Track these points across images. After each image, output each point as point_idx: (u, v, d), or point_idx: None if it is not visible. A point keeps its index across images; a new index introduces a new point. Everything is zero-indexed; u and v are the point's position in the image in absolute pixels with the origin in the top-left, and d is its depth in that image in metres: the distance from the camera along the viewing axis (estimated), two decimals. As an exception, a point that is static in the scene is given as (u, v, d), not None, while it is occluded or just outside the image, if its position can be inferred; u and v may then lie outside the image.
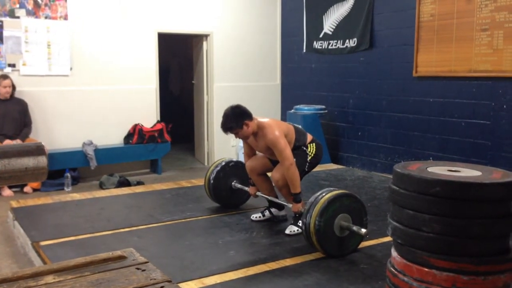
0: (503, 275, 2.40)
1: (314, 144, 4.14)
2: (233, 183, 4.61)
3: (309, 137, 4.17)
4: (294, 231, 3.98)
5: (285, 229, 4.05)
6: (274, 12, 8.21)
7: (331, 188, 3.65)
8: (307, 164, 4.08)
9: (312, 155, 4.09)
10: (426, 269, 2.42)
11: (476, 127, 5.54)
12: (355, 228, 3.45)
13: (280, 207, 4.34)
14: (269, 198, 4.27)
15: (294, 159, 3.86)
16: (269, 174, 4.26)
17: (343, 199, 3.53)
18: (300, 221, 3.93)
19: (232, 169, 4.65)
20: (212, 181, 4.58)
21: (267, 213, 4.36)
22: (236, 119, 3.86)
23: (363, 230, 3.42)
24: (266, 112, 6.24)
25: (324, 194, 3.52)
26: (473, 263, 2.36)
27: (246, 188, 4.47)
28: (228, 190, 4.64)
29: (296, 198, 3.88)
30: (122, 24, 6.87)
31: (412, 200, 2.46)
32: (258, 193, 4.33)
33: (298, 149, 4.04)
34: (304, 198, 3.93)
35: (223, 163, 4.65)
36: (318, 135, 6.34)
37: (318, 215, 3.40)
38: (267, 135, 3.86)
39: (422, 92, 6.11)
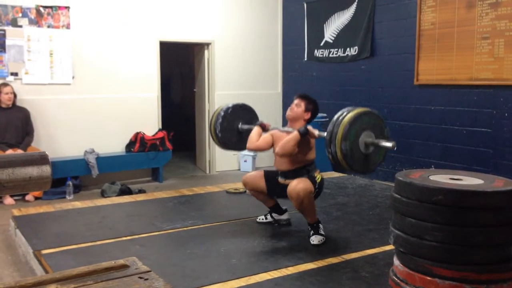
0: (506, 283, 2.39)
1: (320, 176, 4.06)
2: (239, 126, 4.55)
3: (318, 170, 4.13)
4: (321, 240, 3.91)
5: (286, 236, 4.05)
6: (275, 21, 8.25)
7: (344, 111, 3.48)
8: (316, 184, 3.96)
9: (318, 181, 4.01)
10: (429, 278, 2.42)
11: (477, 135, 5.54)
12: (382, 143, 3.40)
13: (280, 211, 4.39)
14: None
15: (305, 176, 3.90)
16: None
17: (363, 118, 3.43)
18: (320, 228, 3.94)
19: (232, 114, 4.54)
20: (219, 135, 4.51)
21: (269, 217, 4.44)
22: (313, 103, 4.09)
23: (390, 144, 3.37)
24: (268, 120, 6.22)
25: (341, 118, 3.40)
26: (475, 271, 2.36)
27: (254, 126, 4.34)
28: (236, 135, 4.56)
29: (300, 130, 3.82)
30: (124, 33, 6.91)
31: (414, 208, 2.46)
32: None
33: (308, 172, 4.00)
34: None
35: (222, 113, 4.52)
36: (319, 143, 6.34)
37: (342, 140, 3.32)
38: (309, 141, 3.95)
39: (423, 100, 6.12)
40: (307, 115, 4.06)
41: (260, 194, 4.30)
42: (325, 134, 3.51)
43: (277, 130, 4.20)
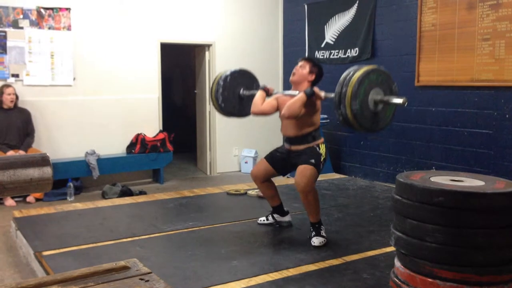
0: (507, 285, 2.39)
1: (324, 145, 4.07)
2: (240, 92, 4.47)
3: (322, 139, 4.13)
4: (322, 242, 3.90)
5: (287, 237, 4.05)
6: (276, 22, 8.25)
7: (351, 71, 3.40)
8: (321, 164, 3.97)
9: (323, 155, 4.00)
10: (430, 280, 2.42)
11: (478, 136, 5.54)
12: (393, 99, 3.33)
13: (282, 213, 4.37)
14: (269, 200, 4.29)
15: (312, 160, 3.85)
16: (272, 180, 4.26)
17: (370, 76, 3.36)
18: (322, 229, 3.93)
19: (232, 82, 4.47)
20: (222, 105, 4.45)
21: (270, 218, 4.41)
22: (317, 66, 4.06)
23: (401, 100, 3.31)
24: (268, 120, 6.24)
25: (349, 78, 3.32)
26: (476, 273, 2.35)
27: (256, 92, 4.27)
28: (238, 102, 4.49)
29: (306, 91, 3.78)
30: (125, 34, 6.91)
31: (415, 210, 2.46)
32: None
33: (313, 139, 3.99)
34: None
35: (222, 83, 4.43)
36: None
37: (351, 100, 3.25)
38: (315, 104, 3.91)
39: (424, 102, 6.11)
40: (312, 77, 4.00)
41: (269, 189, 4.24)
42: (332, 95, 3.44)
43: (281, 94, 4.13)
